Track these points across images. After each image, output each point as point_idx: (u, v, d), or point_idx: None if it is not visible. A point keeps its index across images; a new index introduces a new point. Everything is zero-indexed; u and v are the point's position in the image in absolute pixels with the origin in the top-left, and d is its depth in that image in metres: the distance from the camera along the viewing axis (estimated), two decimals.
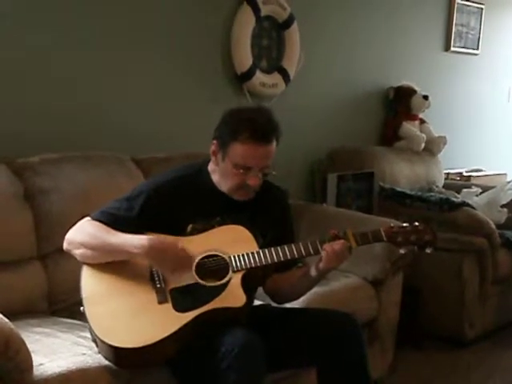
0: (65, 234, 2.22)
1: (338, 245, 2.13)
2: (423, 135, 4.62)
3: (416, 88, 4.62)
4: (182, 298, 2.08)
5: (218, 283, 2.12)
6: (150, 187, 2.28)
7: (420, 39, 4.97)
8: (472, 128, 5.55)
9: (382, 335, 3.19)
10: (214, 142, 2.24)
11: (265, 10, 3.69)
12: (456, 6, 5.16)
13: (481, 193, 4.37)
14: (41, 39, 2.88)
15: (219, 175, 2.26)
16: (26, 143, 2.78)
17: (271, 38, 3.87)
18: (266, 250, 2.16)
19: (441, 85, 5.14)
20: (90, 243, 2.15)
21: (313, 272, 2.21)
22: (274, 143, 2.21)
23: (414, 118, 4.68)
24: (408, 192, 4.05)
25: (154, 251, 2.07)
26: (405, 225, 2.23)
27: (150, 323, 2.04)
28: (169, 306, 2.07)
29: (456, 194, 4.31)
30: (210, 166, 2.31)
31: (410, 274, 3.40)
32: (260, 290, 2.36)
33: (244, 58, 3.64)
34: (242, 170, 2.18)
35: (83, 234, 2.18)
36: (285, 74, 3.87)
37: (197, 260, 2.15)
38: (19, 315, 2.31)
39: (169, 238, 2.14)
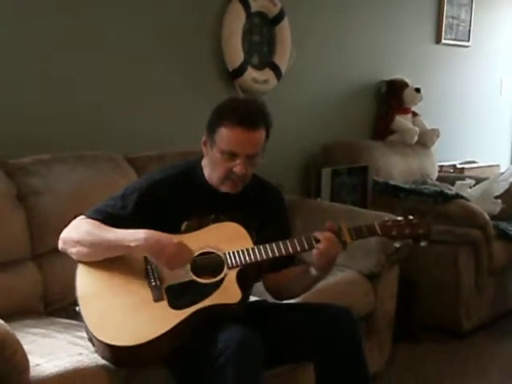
0: (59, 233, 2.21)
1: (328, 233, 2.14)
2: (416, 128, 4.62)
3: (408, 81, 4.62)
4: (178, 296, 2.08)
5: (214, 280, 2.11)
6: (143, 185, 2.28)
7: (411, 32, 4.97)
8: (465, 120, 5.55)
9: (379, 329, 3.19)
10: (205, 132, 2.25)
11: (255, 6, 3.69)
12: None
13: (474, 185, 4.37)
14: (36, 39, 2.87)
15: (209, 166, 2.26)
16: (18, 144, 2.77)
17: (262, 33, 3.86)
18: (261, 247, 2.16)
19: (433, 77, 5.14)
20: (86, 240, 2.14)
21: (313, 270, 2.21)
22: (262, 131, 2.21)
23: (406, 111, 4.68)
24: (402, 185, 4.06)
25: (151, 243, 2.07)
26: (399, 219, 2.23)
27: (145, 321, 2.04)
28: (164, 303, 2.07)
29: (450, 187, 4.31)
30: (203, 161, 2.31)
31: (405, 267, 3.40)
32: (257, 286, 2.36)
33: (235, 54, 3.63)
34: (227, 156, 2.18)
35: (78, 232, 2.17)
36: (276, 70, 3.87)
37: (193, 257, 2.15)
38: (15, 316, 2.31)
39: (165, 234, 2.14)
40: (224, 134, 2.17)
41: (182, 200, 2.24)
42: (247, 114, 2.17)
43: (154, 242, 2.07)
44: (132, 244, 2.08)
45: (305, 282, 2.29)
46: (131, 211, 2.20)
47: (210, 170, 2.26)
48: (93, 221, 2.18)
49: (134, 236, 2.09)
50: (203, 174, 2.29)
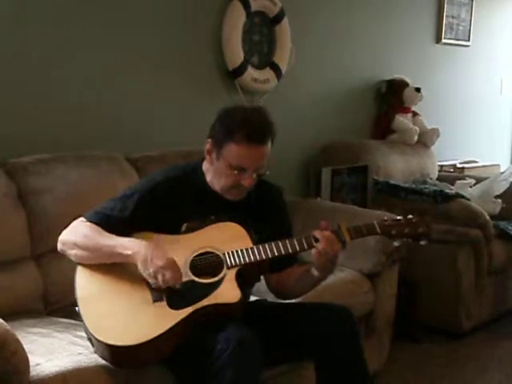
0: (59, 233, 2.22)
1: (327, 232, 2.14)
2: (416, 128, 4.62)
3: (408, 81, 4.62)
4: (177, 296, 2.08)
5: (213, 280, 2.12)
6: (144, 187, 2.27)
7: (411, 32, 4.97)
8: (465, 120, 5.55)
9: (379, 328, 3.19)
10: (209, 140, 2.24)
11: (255, 6, 3.69)
12: None
13: (474, 184, 4.37)
14: (36, 40, 2.88)
15: (213, 174, 2.25)
16: (18, 143, 2.77)
17: (262, 33, 3.86)
18: (260, 246, 2.16)
19: (433, 77, 5.14)
20: (84, 245, 2.15)
21: (314, 271, 2.21)
22: (269, 144, 2.21)
23: (406, 110, 4.67)
24: (402, 185, 4.06)
25: (139, 258, 2.06)
26: (399, 218, 2.24)
27: (145, 321, 2.04)
28: (164, 303, 2.07)
29: (450, 186, 4.31)
30: (205, 165, 2.31)
31: (405, 267, 3.40)
32: (257, 286, 2.36)
33: (235, 53, 3.63)
34: (236, 171, 2.18)
35: (77, 234, 2.18)
36: (276, 69, 3.87)
37: (191, 257, 2.15)
38: (15, 316, 2.31)
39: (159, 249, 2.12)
40: (233, 149, 2.15)
41: (182, 202, 2.24)
42: (256, 129, 2.16)
43: (142, 258, 2.06)
44: (125, 252, 2.09)
45: (307, 283, 2.29)
46: (131, 213, 2.20)
47: (214, 178, 2.26)
48: (92, 224, 2.18)
49: (127, 246, 2.09)
50: (204, 177, 2.29)
